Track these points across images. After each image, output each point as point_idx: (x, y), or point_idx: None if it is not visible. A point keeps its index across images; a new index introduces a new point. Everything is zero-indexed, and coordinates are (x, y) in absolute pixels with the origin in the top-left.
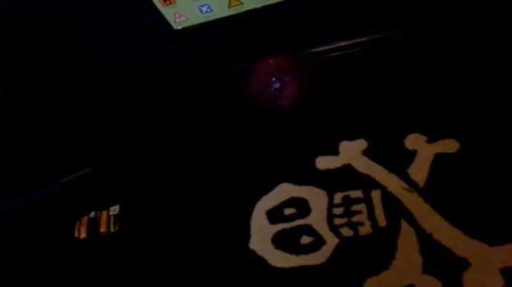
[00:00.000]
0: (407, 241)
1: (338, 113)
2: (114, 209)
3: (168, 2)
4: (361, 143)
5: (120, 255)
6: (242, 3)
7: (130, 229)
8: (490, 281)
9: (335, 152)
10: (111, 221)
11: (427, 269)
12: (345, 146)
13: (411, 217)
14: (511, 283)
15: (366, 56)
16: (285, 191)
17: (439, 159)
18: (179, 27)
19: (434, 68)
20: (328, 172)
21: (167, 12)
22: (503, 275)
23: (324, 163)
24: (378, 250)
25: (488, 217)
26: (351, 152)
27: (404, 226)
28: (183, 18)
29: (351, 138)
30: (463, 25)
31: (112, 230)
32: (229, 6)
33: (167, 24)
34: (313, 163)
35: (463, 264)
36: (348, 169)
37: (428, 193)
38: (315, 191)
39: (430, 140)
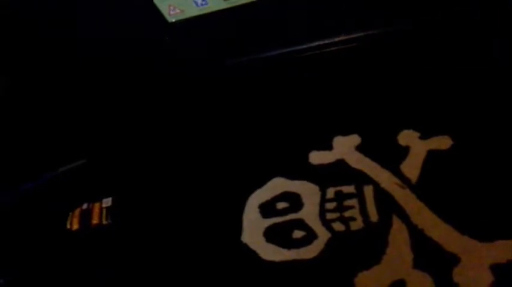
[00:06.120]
0: (398, 237)
1: (332, 108)
2: (107, 202)
3: None
4: (355, 139)
5: (112, 247)
6: None
7: (123, 222)
8: (480, 277)
9: (328, 147)
10: (104, 214)
11: (418, 265)
12: (338, 141)
13: (403, 213)
14: (501, 279)
15: (360, 51)
16: (278, 185)
17: (432, 155)
18: (174, 20)
19: (428, 64)
20: (321, 167)
21: (161, 4)
22: (492, 272)
23: (317, 157)
24: (369, 244)
25: (479, 213)
26: (344, 148)
27: (396, 221)
28: (177, 10)
29: (344, 133)
30: (457, 20)
31: (104, 222)
32: None
33: (161, 17)
34: (307, 158)
35: (453, 260)
36: (341, 164)
37: (421, 189)
38: (308, 185)
39: (423, 136)
